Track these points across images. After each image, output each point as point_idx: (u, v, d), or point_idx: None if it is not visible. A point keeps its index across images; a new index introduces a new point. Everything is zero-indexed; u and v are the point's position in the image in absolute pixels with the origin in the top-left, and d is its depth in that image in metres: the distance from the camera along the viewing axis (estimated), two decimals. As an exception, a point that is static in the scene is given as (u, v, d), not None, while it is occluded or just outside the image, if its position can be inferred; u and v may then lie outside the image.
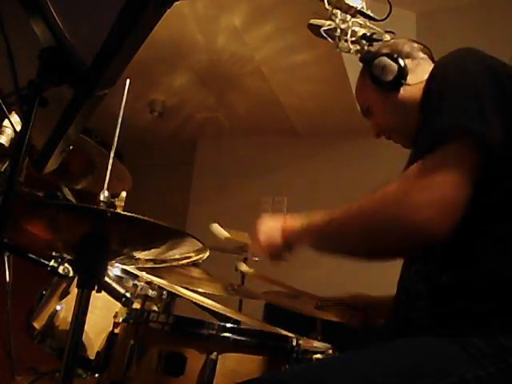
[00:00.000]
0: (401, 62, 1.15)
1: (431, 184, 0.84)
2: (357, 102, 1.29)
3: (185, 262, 1.25)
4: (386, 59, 1.16)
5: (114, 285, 1.38)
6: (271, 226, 1.10)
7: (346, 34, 1.33)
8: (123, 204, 1.17)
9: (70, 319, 1.05)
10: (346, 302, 1.41)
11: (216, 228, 1.37)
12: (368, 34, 1.34)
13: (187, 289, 1.63)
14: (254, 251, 1.13)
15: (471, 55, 0.96)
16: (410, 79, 1.15)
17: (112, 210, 1.07)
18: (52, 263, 1.03)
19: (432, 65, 1.12)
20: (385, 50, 1.20)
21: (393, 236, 0.89)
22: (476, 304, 0.86)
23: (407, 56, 1.19)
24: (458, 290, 0.89)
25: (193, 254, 1.17)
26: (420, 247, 0.90)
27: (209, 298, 1.59)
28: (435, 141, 0.87)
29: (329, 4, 1.31)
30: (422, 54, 1.21)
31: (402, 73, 1.15)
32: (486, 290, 0.86)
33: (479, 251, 0.89)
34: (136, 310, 1.40)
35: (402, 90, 1.16)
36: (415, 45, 1.23)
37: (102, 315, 1.42)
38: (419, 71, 1.16)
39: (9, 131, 1.08)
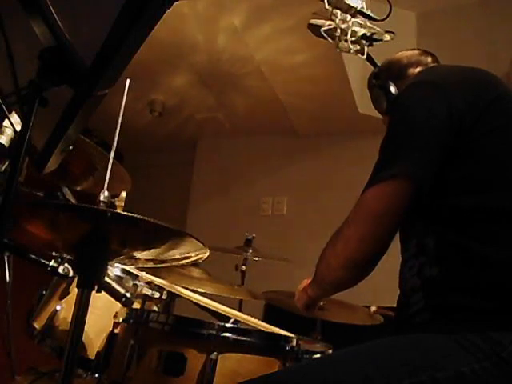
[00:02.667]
0: (392, 89, 1.24)
1: (342, 240, 1.00)
2: None
3: (185, 261, 1.25)
4: (378, 92, 1.27)
5: (114, 285, 1.38)
6: (301, 286, 1.27)
7: (346, 34, 1.33)
8: (123, 204, 1.17)
9: (70, 319, 1.05)
10: None
11: None
12: (368, 34, 1.34)
13: (187, 289, 1.63)
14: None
15: (416, 89, 1.04)
16: None
17: (112, 210, 1.07)
18: (52, 263, 1.03)
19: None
20: (382, 74, 1.29)
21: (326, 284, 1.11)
22: (467, 298, 0.88)
23: (398, 77, 1.25)
24: (449, 282, 0.91)
25: (193, 254, 1.17)
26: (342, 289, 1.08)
27: (209, 298, 1.59)
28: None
29: (329, 4, 1.31)
30: (413, 70, 1.25)
31: (390, 103, 1.24)
32: (476, 284, 0.88)
33: (468, 248, 0.91)
34: (136, 310, 1.40)
35: None
36: (405, 61, 1.27)
37: (102, 315, 1.42)
38: None
39: (9, 131, 1.08)
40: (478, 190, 0.94)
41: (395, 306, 1.08)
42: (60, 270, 1.03)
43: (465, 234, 0.92)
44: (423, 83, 1.05)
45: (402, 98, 1.05)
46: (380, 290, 1.85)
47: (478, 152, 0.96)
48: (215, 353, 1.14)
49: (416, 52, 1.29)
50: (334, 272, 1.02)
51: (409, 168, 0.94)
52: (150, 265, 1.32)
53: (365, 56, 1.37)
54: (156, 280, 1.52)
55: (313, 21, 1.34)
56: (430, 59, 1.27)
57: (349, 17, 1.33)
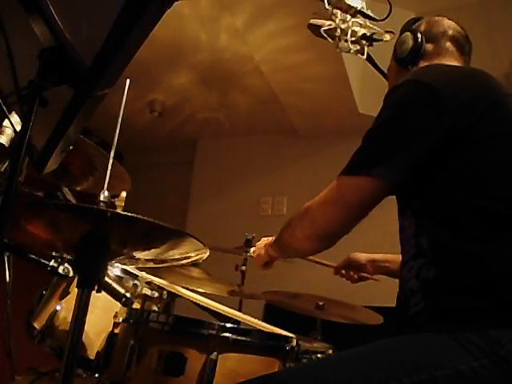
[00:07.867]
0: (419, 43, 1.19)
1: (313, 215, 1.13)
2: None
3: (185, 261, 1.25)
4: (408, 36, 1.21)
5: (114, 285, 1.38)
6: (261, 244, 1.40)
7: (346, 34, 1.33)
8: (123, 204, 1.17)
9: (70, 319, 1.05)
10: (349, 263, 1.58)
11: None
12: (368, 34, 1.34)
13: (187, 289, 1.63)
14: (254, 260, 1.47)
15: (412, 88, 1.02)
16: (422, 63, 1.18)
17: (112, 210, 1.07)
18: (52, 263, 1.03)
19: (455, 59, 1.19)
20: (421, 26, 1.25)
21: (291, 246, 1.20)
22: (465, 299, 0.88)
23: (432, 40, 1.21)
24: (446, 284, 0.91)
25: (193, 254, 1.17)
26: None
27: (209, 298, 1.59)
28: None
29: (329, 4, 1.31)
30: (449, 45, 1.21)
31: (411, 55, 1.20)
32: (473, 284, 0.88)
33: (462, 248, 0.91)
34: (136, 310, 1.40)
35: (411, 70, 1.19)
36: (450, 32, 1.23)
37: (102, 315, 1.42)
38: (434, 59, 1.19)
39: (9, 131, 1.08)
40: (469, 191, 0.94)
41: (395, 306, 1.08)
42: (60, 270, 1.03)
43: (458, 234, 0.92)
44: (420, 83, 1.02)
45: (397, 93, 1.04)
46: (380, 289, 1.85)
47: (472, 154, 0.96)
48: (215, 353, 1.14)
49: (459, 31, 1.24)
50: (298, 241, 1.12)
51: (388, 172, 0.97)
52: (150, 265, 1.32)
53: (365, 56, 1.38)
54: (156, 280, 1.52)
55: (313, 21, 1.35)
56: (455, 49, 1.21)
57: (349, 17, 1.33)
